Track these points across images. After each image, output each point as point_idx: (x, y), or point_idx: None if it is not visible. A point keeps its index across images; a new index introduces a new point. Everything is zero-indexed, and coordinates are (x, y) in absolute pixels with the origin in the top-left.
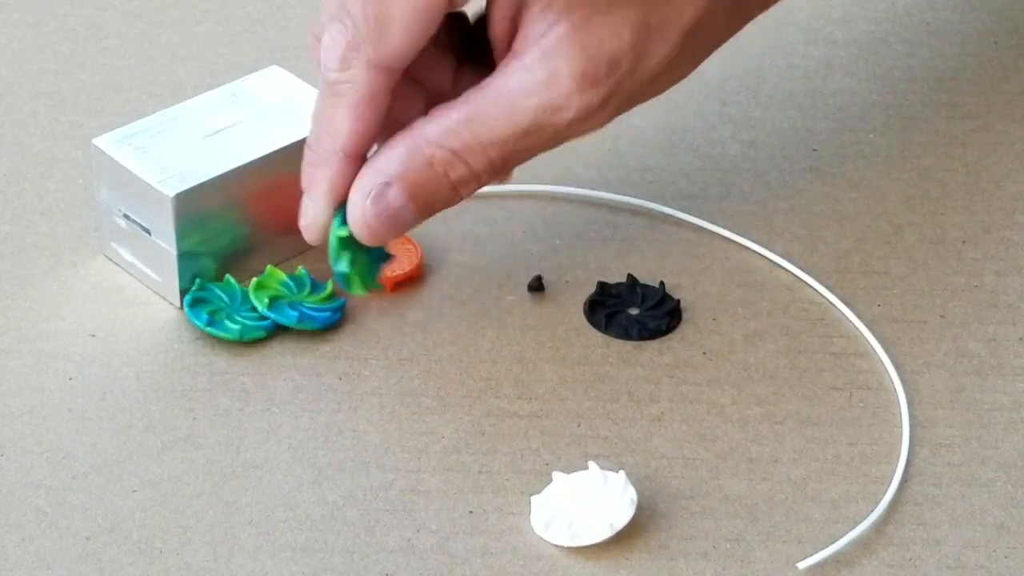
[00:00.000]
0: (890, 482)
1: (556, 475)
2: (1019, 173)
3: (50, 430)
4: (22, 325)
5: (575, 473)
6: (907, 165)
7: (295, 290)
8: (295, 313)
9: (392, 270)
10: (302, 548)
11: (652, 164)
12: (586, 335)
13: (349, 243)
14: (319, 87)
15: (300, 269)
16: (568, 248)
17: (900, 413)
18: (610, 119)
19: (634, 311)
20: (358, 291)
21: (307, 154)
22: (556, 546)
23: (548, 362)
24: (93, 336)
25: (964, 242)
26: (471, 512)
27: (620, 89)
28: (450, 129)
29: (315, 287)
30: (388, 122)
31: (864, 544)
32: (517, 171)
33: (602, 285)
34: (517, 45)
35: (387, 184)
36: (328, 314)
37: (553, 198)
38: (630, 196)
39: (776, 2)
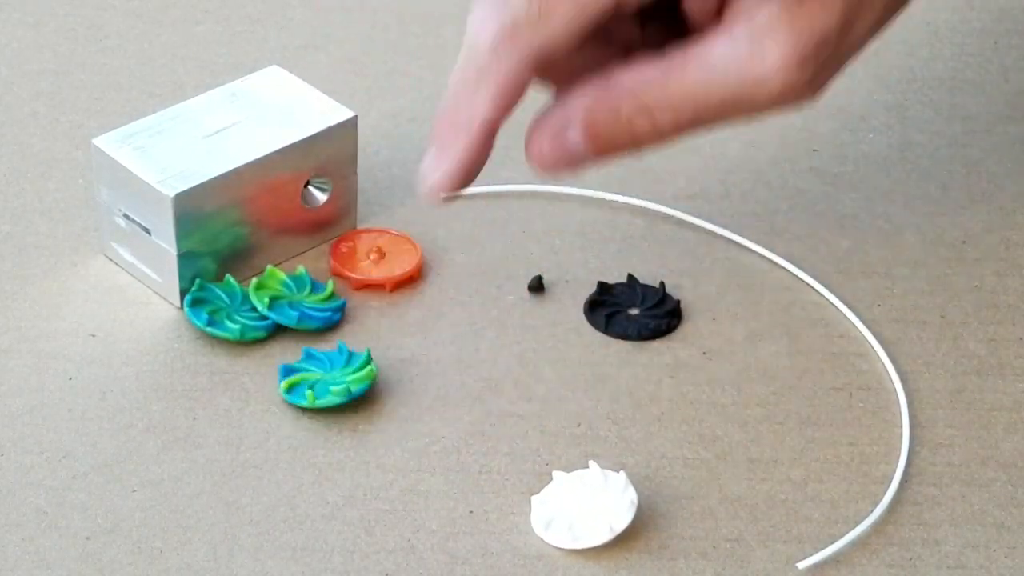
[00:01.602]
0: (890, 482)
1: (556, 474)
2: (1019, 173)
3: (50, 430)
4: (22, 325)
5: (575, 471)
6: (907, 165)
7: (295, 290)
8: (295, 313)
9: (392, 270)
10: (302, 548)
11: (652, 164)
12: (586, 335)
13: None
14: (461, 55)
15: (300, 269)
16: (568, 248)
17: (900, 413)
18: (811, 97)
19: (634, 311)
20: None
21: (444, 113)
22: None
23: (548, 362)
24: (93, 336)
25: (964, 242)
26: (471, 512)
27: (826, 67)
28: (645, 81)
29: (315, 287)
30: (571, 70)
31: (864, 544)
32: (517, 172)
33: (602, 285)
34: (726, 17)
35: (571, 122)
36: (328, 314)
37: (553, 198)
38: (630, 196)
39: None
